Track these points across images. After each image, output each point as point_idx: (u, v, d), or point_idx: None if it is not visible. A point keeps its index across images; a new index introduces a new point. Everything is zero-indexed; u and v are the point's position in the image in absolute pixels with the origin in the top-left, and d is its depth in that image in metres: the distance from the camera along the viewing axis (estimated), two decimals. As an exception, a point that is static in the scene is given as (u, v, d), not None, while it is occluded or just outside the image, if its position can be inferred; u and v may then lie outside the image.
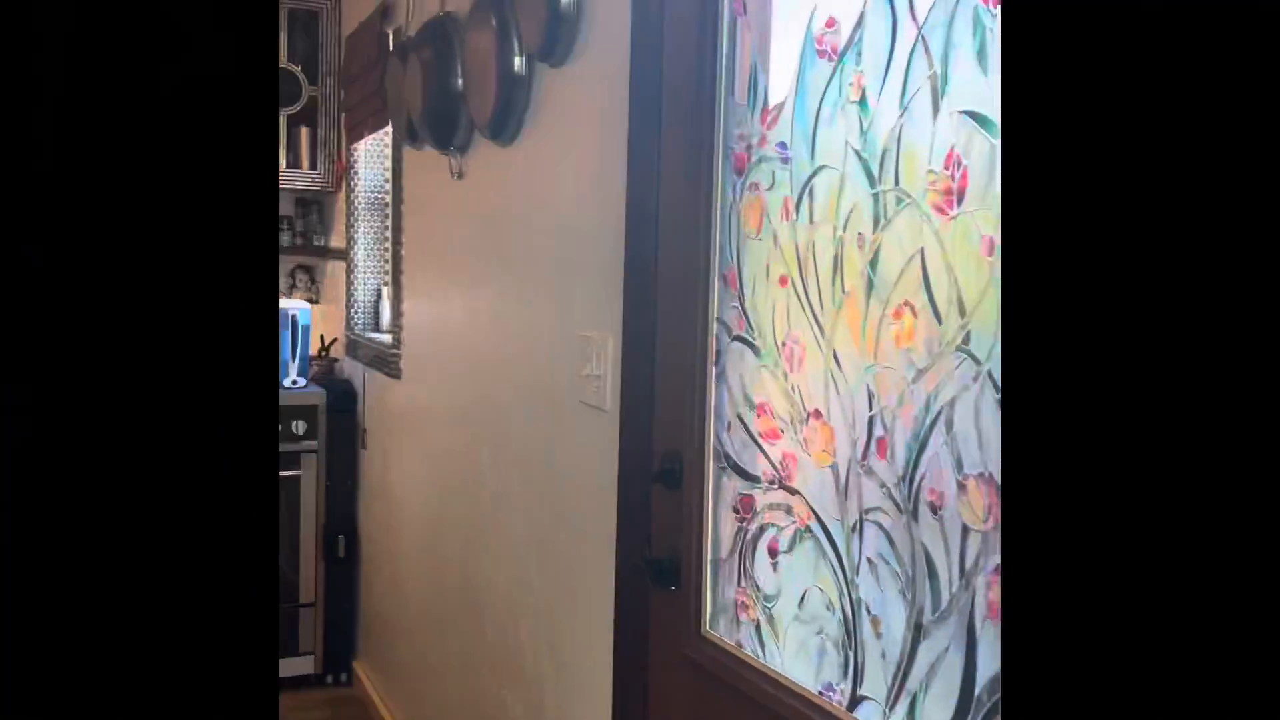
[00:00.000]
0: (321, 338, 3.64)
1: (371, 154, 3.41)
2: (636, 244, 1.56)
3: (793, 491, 1.26)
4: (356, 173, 3.40)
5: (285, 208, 3.79)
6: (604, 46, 1.68)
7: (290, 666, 3.36)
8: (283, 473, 3.31)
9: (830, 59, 1.19)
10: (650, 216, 1.53)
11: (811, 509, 1.23)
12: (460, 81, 2.21)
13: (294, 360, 3.37)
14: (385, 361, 3.02)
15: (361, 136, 3.28)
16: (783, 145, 1.27)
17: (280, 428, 3.24)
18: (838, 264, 1.17)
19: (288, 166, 3.57)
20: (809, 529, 1.23)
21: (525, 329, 2.01)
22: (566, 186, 1.83)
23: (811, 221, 1.22)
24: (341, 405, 3.38)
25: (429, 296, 2.67)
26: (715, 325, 1.40)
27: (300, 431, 3.33)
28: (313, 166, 3.60)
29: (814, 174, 1.21)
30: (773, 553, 1.30)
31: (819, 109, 1.21)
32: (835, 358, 1.18)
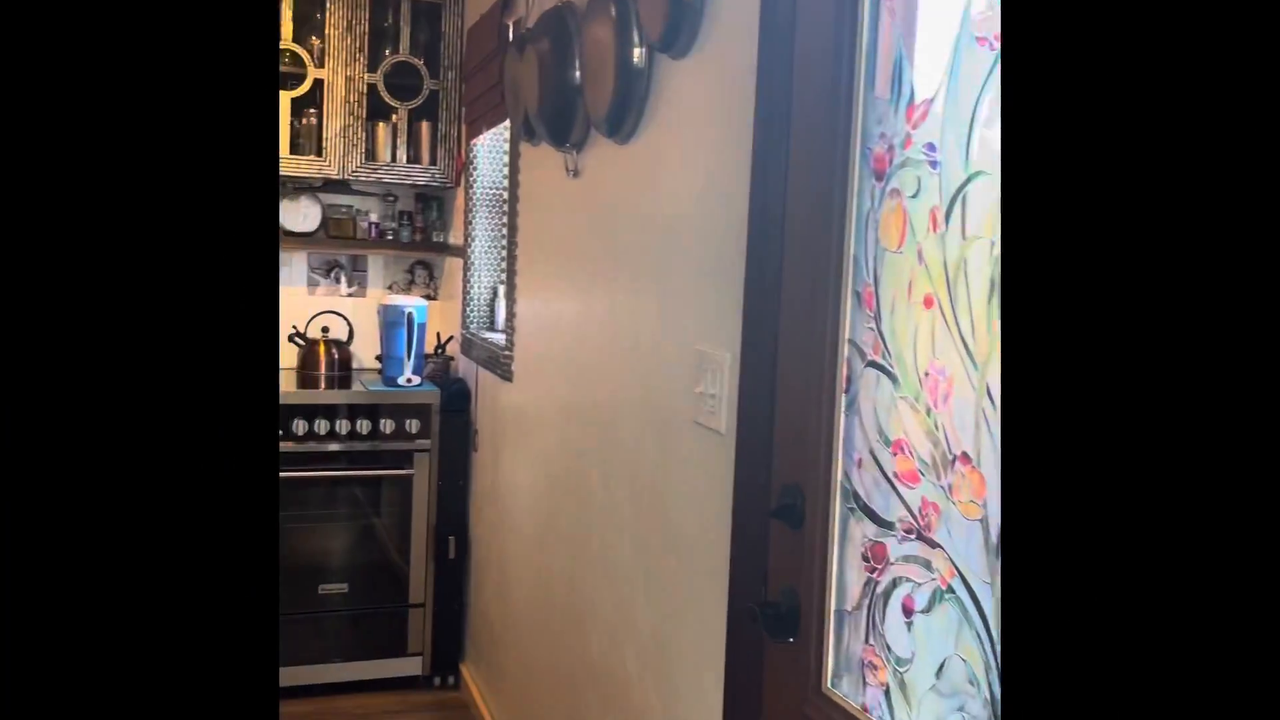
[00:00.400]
0: (438, 335, 3.61)
1: (491, 149, 3.34)
2: (759, 252, 1.41)
3: (933, 544, 1.10)
4: (476, 168, 3.34)
5: (405, 203, 3.77)
6: (729, 36, 1.54)
7: (398, 667, 3.33)
8: (395, 471, 3.28)
9: (991, 47, 1.03)
10: (775, 223, 1.38)
11: (955, 567, 1.06)
12: (577, 74, 2.10)
13: (409, 358, 3.33)
14: (497, 363, 2.95)
15: (481, 131, 3.21)
16: (931, 146, 1.11)
17: (394, 426, 3.21)
18: (994, 286, 1.01)
19: (408, 161, 3.54)
20: (951, 589, 1.07)
21: (638, 338, 1.89)
22: (685, 187, 1.70)
23: (964, 235, 1.05)
24: (455, 405, 3.33)
25: (542, 298, 2.58)
26: (846, 348, 1.25)
27: (414, 430, 3.29)
28: (433, 161, 3.56)
29: (968, 181, 1.05)
30: (907, 611, 1.14)
31: (976, 105, 1.04)
32: (989, 394, 1.02)
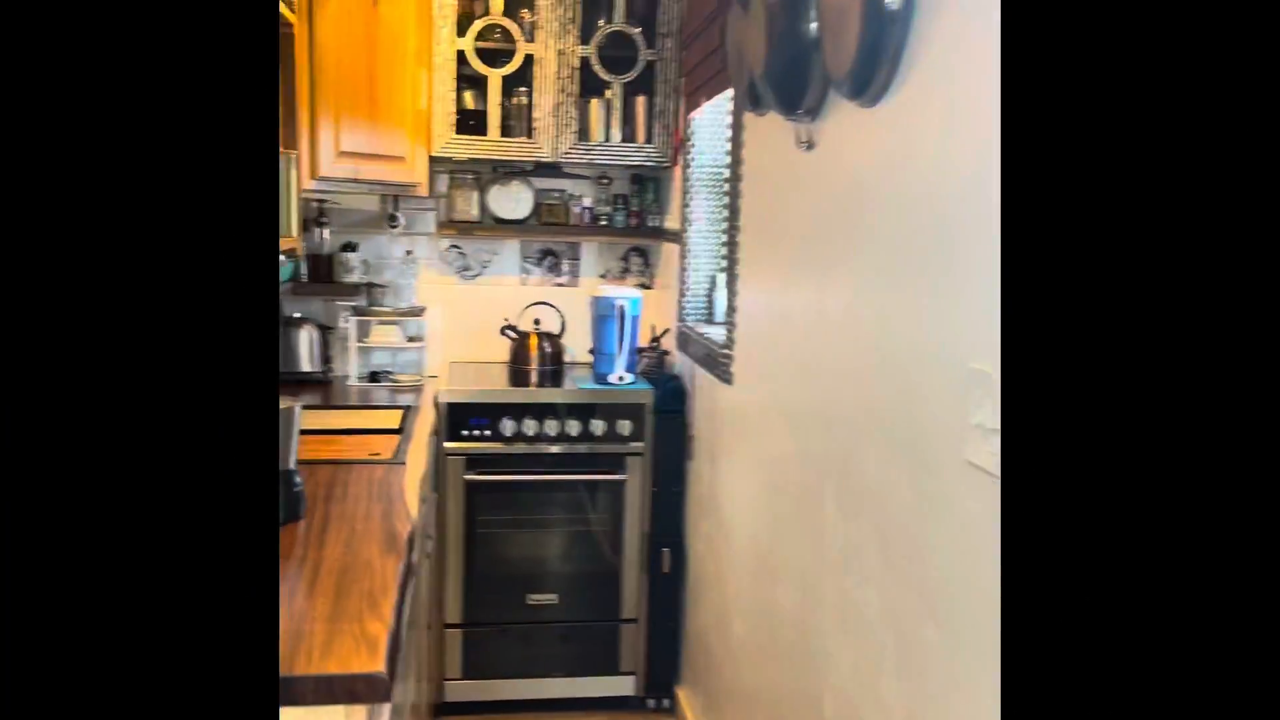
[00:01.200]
0: (653, 328, 3.34)
1: (711, 123, 3.02)
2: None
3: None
4: (694, 145, 3.04)
5: (619, 185, 3.52)
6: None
7: (610, 686, 3.11)
8: (606, 476, 3.04)
9: None
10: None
11: None
12: (813, 25, 1.74)
13: (620, 354, 3.07)
14: (715, 362, 2.64)
15: (700, 104, 2.90)
16: None
17: (605, 427, 2.97)
18: None
19: (622, 140, 3.28)
20: None
21: (888, 346, 1.53)
22: (951, 161, 1.31)
23: None
24: (670, 404, 3.05)
25: (766, 290, 2.24)
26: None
27: (626, 432, 3.04)
28: (649, 140, 3.29)
29: None
30: None
31: None
32: None
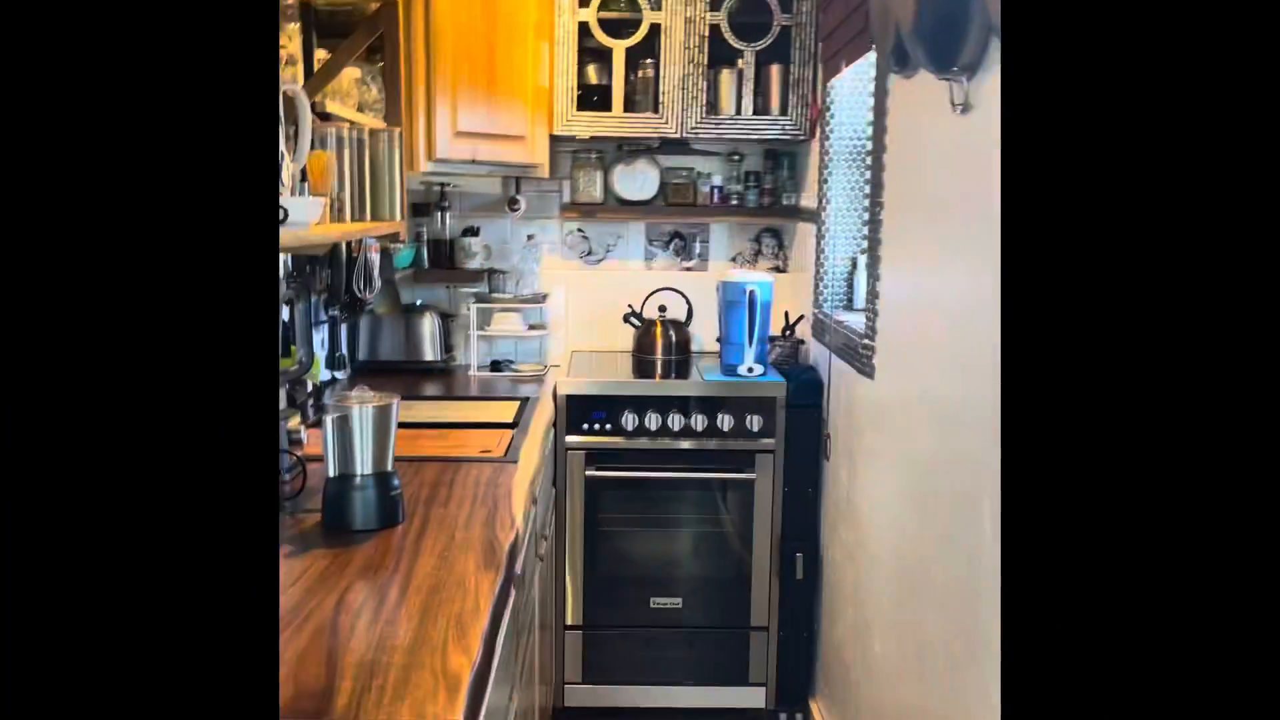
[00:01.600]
0: (786, 315, 3.11)
1: (851, 90, 2.77)
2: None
3: None
4: (833, 115, 2.79)
5: (751, 161, 3.29)
6: None
7: (738, 697, 2.92)
8: (735, 475, 2.84)
9: None
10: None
11: None
12: (971, -36, 1.49)
13: (750, 344, 2.86)
14: (855, 353, 2.40)
15: (839, 70, 2.65)
16: None
17: (733, 422, 2.77)
18: None
19: (755, 113, 3.05)
20: None
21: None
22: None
23: None
24: (804, 398, 2.82)
25: (913, 273, 1.99)
26: None
27: (755, 428, 2.83)
28: (783, 111, 3.05)
29: None
30: None
31: None
32: None
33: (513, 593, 1.63)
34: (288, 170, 1.62)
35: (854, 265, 2.81)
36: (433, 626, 1.26)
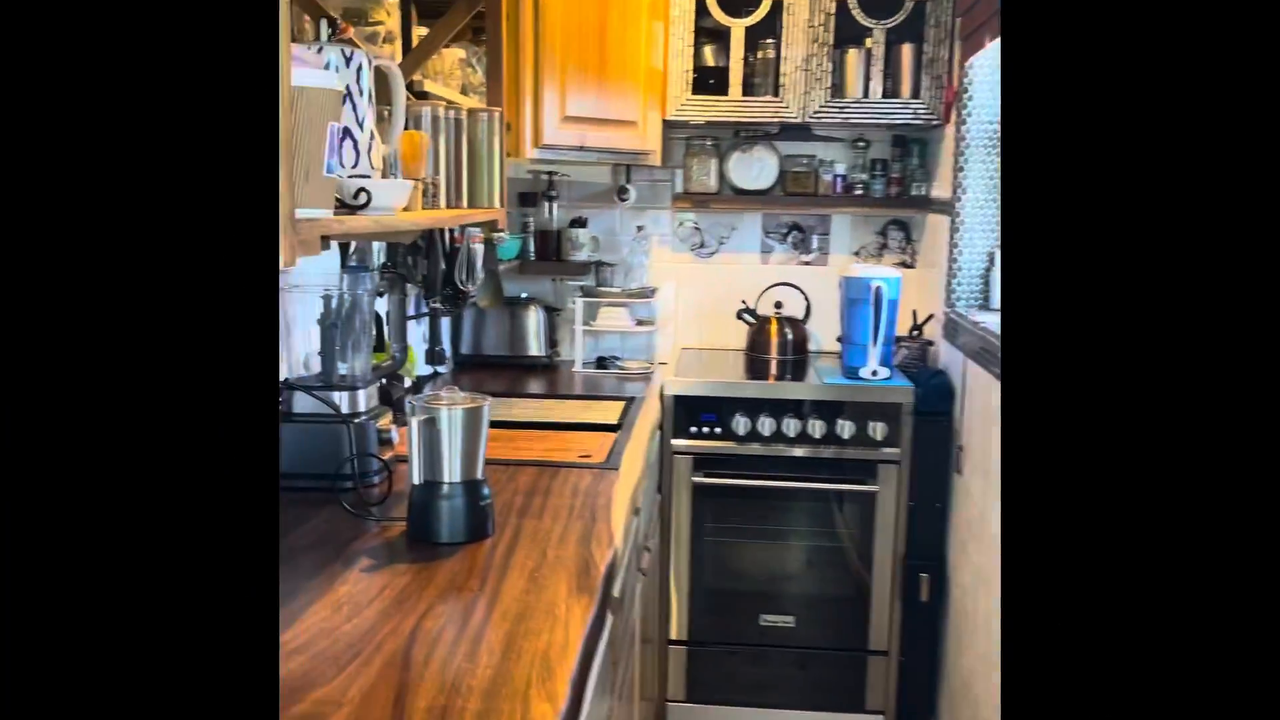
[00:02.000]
0: (914, 314, 2.88)
1: (992, 70, 2.52)
2: None
3: None
4: (971, 97, 2.55)
5: (878, 149, 3.07)
6: None
7: (852, 725, 2.71)
8: (855, 486, 2.63)
9: None
10: None
11: None
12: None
13: (874, 344, 2.64)
14: (992, 357, 2.16)
15: (981, 46, 2.42)
16: None
17: (854, 429, 2.57)
18: None
19: (883, 96, 2.83)
20: None
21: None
22: None
23: None
24: (933, 405, 2.59)
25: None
26: None
27: (878, 436, 2.61)
28: (915, 94, 2.82)
29: None
30: None
31: None
32: None
33: (609, 618, 1.48)
34: (378, 152, 1.50)
35: (991, 261, 2.57)
36: (516, 664, 1.11)
